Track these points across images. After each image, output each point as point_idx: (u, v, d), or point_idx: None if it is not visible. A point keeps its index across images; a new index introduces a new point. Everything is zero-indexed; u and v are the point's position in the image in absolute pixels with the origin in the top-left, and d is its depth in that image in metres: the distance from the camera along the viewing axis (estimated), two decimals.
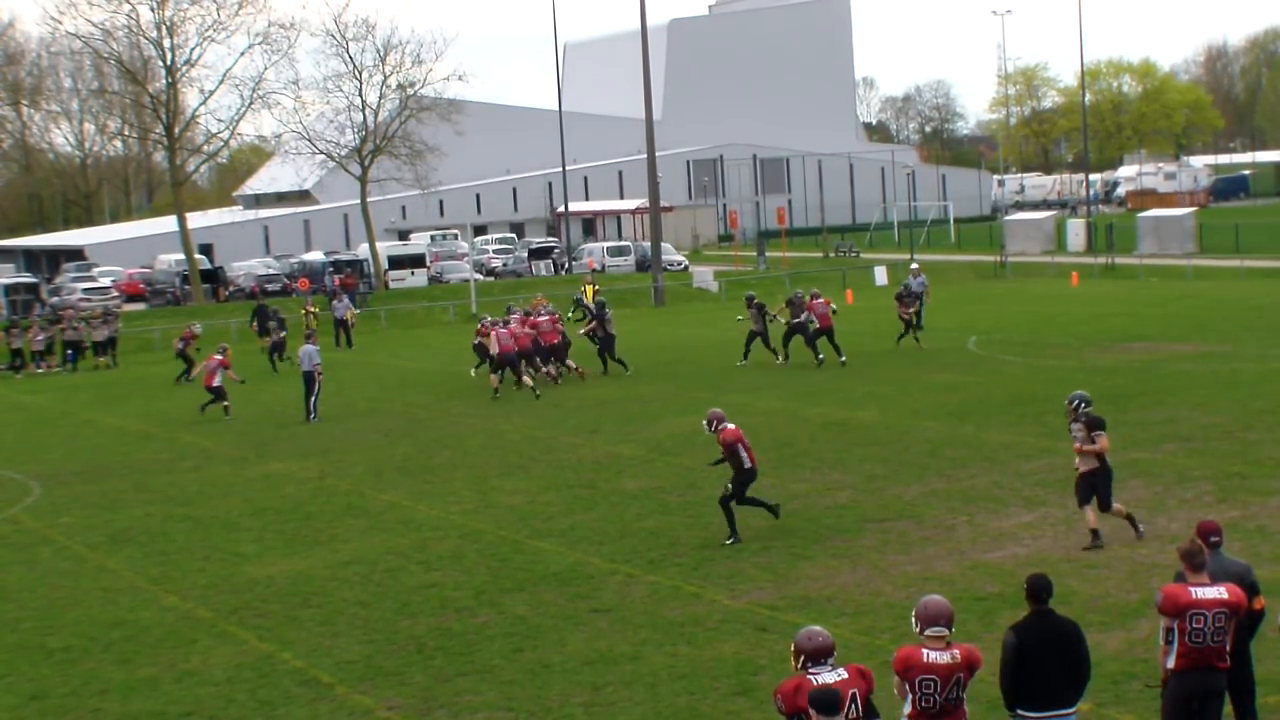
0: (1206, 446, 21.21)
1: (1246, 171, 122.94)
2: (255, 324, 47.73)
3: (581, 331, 35.21)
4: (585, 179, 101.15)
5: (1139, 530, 16.17)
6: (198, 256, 66.65)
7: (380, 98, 67.53)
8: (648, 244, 65.69)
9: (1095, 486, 15.89)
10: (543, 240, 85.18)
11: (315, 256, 73.80)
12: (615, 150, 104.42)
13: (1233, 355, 31.21)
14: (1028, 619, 9.18)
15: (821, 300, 33.17)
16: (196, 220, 75.25)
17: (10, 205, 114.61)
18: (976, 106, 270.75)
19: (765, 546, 16.96)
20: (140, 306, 65.09)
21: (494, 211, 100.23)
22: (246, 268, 72.69)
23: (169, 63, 62.68)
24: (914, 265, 43.81)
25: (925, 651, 8.59)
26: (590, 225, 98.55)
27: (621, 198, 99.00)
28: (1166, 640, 9.52)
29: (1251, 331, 35.22)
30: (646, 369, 34.87)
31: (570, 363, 33.21)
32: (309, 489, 22.53)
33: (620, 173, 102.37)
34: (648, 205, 63.36)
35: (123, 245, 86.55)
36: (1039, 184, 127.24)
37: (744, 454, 17.37)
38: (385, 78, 67.46)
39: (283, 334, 40.63)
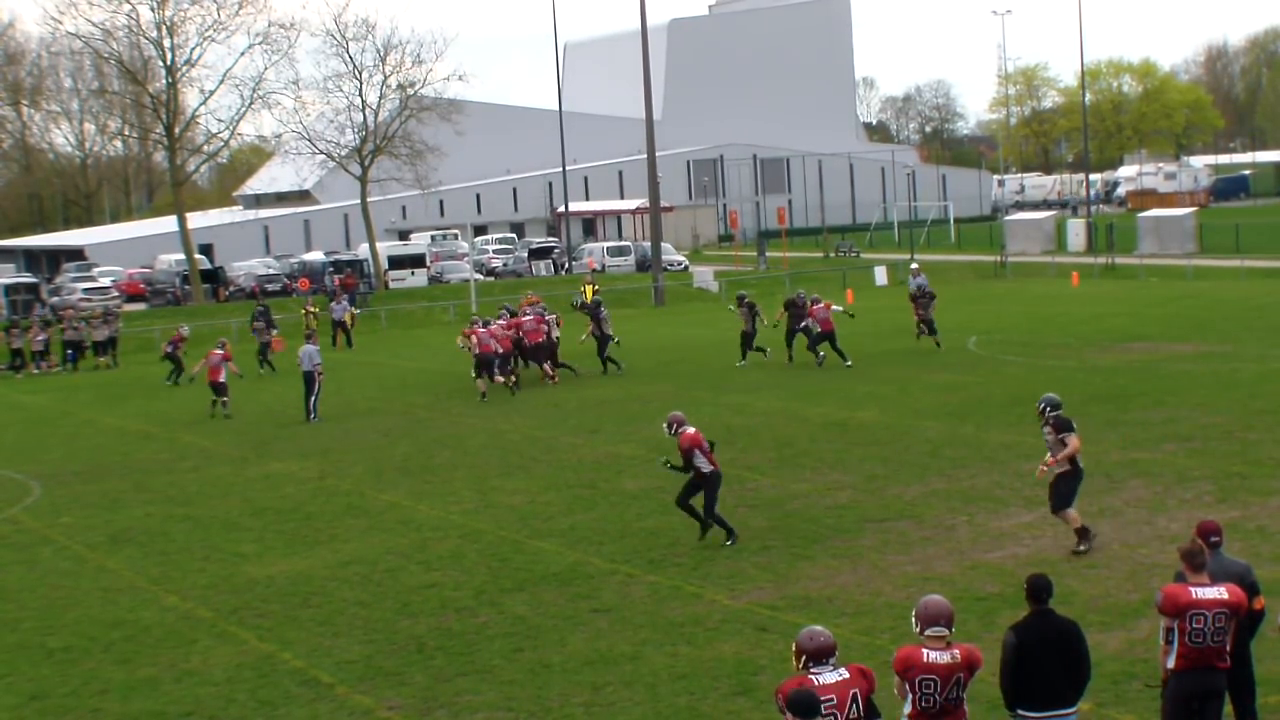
0: (1206, 446, 21.21)
1: (1247, 171, 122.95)
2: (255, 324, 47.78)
3: (583, 338, 35.03)
4: (585, 179, 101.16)
5: (1085, 545, 15.60)
6: (198, 256, 66.69)
7: (380, 98, 67.62)
8: (648, 244, 65.70)
9: (1073, 490, 15.69)
10: (543, 240, 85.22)
11: (315, 256, 73.85)
12: (615, 150, 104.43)
13: (1233, 355, 31.21)
14: (1028, 619, 9.18)
15: (822, 305, 33.11)
16: (196, 220, 75.31)
17: (10, 205, 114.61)
18: (976, 106, 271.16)
19: (765, 546, 16.96)
20: (140, 306, 65.12)
21: (494, 211, 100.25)
22: (247, 268, 72.73)
23: (169, 63, 62.73)
24: (914, 265, 43.80)
25: (925, 651, 8.59)
26: (590, 225, 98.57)
27: (621, 198, 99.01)
28: (1166, 640, 9.52)
29: (1251, 331, 35.22)
30: (646, 369, 34.88)
31: (545, 365, 32.97)
32: (309, 489, 22.54)
33: (620, 173, 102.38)
34: (648, 205, 63.36)
35: (123, 245, 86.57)
36: (1039, 184, 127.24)
37: (702, 458, 16.98)
38: (385, 78, 67.56)
39: (271, 334, 40.24)
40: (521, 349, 33.05)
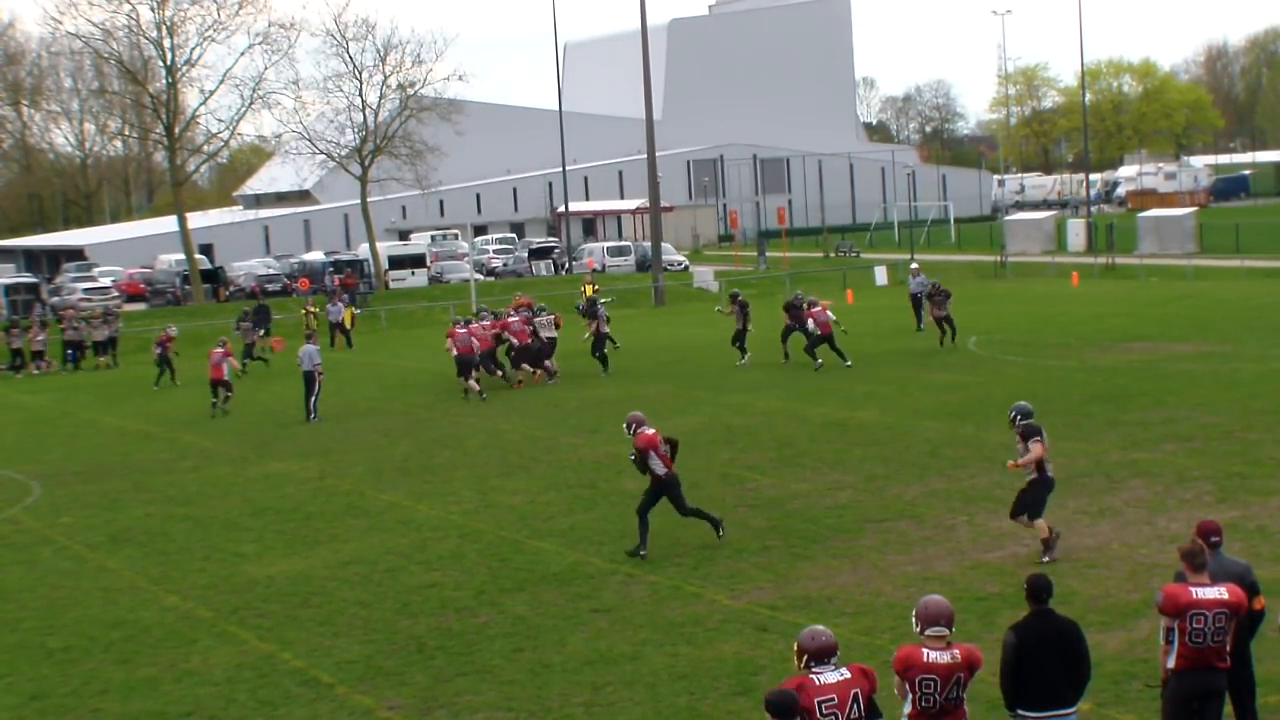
0: (1206, 446, 21.21)
1: (1247, 171, 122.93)
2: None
3: (584, 336, 35.03)
4: (585, 179, 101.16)
5: (1049, 555, 15.41)
6: (198, 256, 66.70)
7: (380, 98, 67.65)
8: (648, 244, 65.70)
9: (1041, 498, 15.62)
10: (543, 240, 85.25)
11: (315, 256, 73.86)
12: (615, 150, 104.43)
13: (1233, 355, 31.21)
14: (1028, 619, 9.18)
15: (819, 308, 33.10)
16: (196, 220, 75.31)
17: (10, 205, 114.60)
18: (976, 106, 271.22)
19: (765, 546, 16.97)
20: (141, 306, 65.14)
21: (494, 211, 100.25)
22: (247, 268, 72.75)
23: (169, 63, 62.74)
24: (914, 265, 43.79)
25: (925, 651, 8.59)
26: (590, 225, 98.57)
27: (621, 198, 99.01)
28: (1167, 640, 9.52)
29: (1251, 331, 35.21)
30: (646, 369, 34.89)
31: (526, 366, 32.89)
32: (309, 489, 22.54)
33: (620, 173, 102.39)
34: (648, 205, 63.36)
35: (123, 245, 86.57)
36: (1039, 184, 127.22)
37: (657, 461, 16.71)
38: (385, 78, 67.60)
39: (257, 334, 39.94)
40: (514, 350, 33.02)
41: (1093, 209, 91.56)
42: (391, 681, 13.12)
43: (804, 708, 8.02)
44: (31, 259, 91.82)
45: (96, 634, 15.23)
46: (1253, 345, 32.62)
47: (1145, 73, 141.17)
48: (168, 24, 62.05)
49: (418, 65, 67.63)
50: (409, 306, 57.01)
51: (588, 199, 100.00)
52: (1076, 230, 71.57)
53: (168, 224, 76.66)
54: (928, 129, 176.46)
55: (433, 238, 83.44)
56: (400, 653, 13.90)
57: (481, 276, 66.18)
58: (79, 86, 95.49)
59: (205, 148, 69.20)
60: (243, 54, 65.07)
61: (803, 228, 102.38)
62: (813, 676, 8.14)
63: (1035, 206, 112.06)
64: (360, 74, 67.17)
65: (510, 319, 33.12)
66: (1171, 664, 9.49)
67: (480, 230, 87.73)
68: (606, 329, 34.61)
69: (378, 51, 67.48)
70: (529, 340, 32.80)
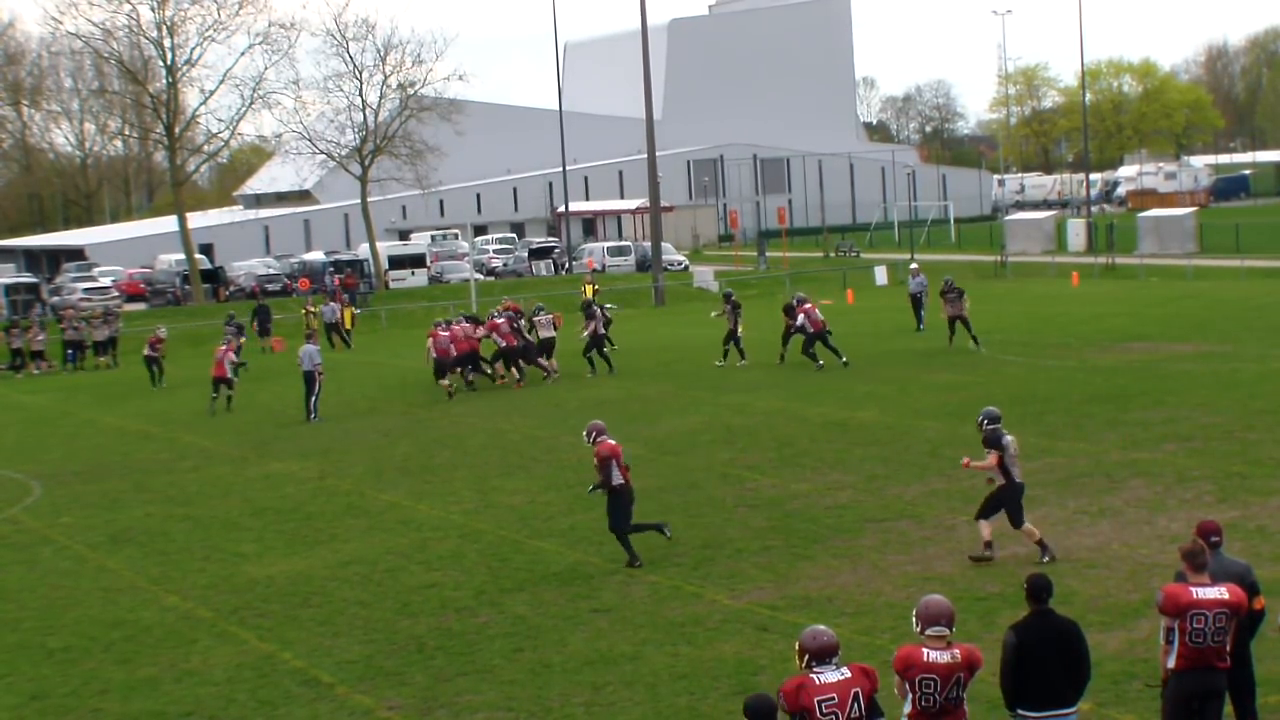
0: (1206, 446, 21.20)
1: (1247, 171, 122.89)
2: (256, 323, 47.80)
3: (583, 334, 35.02)
4: (585, 179, 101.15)
5: (1047, 554, 15.41)
6: (198, 256, 66.72)
7: (380, 98, 67.68)
8: (648, 244, 65.70)
9: (1002, 502, 15.59)
10: (543, 240, 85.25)
11: (315, 256, 73.86)
12: (615, 150, 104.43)
13: (1233, 355, 31.20)
14: (1028, 619, 9.18)
15: (809, 305, 33.09)
16: (197, 220, 75.31)
17: (10, 205, 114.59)
18: (977, 106, 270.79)
19: (765, 546, 16.97)
20: (141, 306, 65.13)
21: (494, 211, 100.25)
22: (247, 268, 72.75)
23: (169, 63, 62.76)
24: (913, 265, 43.78)
25: (925, 651, 8.60)
26: (590, 225, 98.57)
27: (622, 198, 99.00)
28: (1167, 640, 9.52)
29: (1251, 331, 35.20)
30: (646, 369, 34.89)
31: (514, 370, 32.90)
32: (309, 489, 22.54)
33: (620, 173, 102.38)
34: (648, 205, 63.36)
35: (123, 245, 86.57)
36: (1039, 184, 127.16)
37: (616, 471, 16.45)
38: (385, 78, 67.63)
39: (242, 340, 39.19)
40: (500, 352, 33.01)
41: (1093, 209, 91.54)
42: (391, 681, 13.12)
43: (804, 707, 8.04)
44: (31, 259, 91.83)
45: (96, 634, 15.23)
46: (1253, 345, 32.61)
47: (1145, 73, 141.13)
48: (168, 24, 62.10)
49: (418, 65, 67.73)
50: (409, 306, 57.01)
51: (588, 199, 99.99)
52: (1076, 230, 71.56)
53: (168, 224, 76.67)
54: (928, 129, 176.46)
55: (433, 238, 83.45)
56: (400, 653, 13.91)
57: (481, 276, 66.20)
58: (79, 86, 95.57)
59: (205, 148, 69.22)
60: (243, 54, 65.14)
61: (803, 228, 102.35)
62: (813, 676, 8.15)
63: (1035, 206, 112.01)
64: (360, 74, 67.22)
65: (497, 320, 33.10)
66: (1171, 664, 9.49)
67: (480, 230, 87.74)
68: (604, 331, 34.55)
69: (378, 51, 67.57)
70: (514, 342, 32.79)
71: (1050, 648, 9.04)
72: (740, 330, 34.07)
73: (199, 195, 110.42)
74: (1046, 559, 15.39)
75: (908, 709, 8.65)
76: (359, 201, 69.54)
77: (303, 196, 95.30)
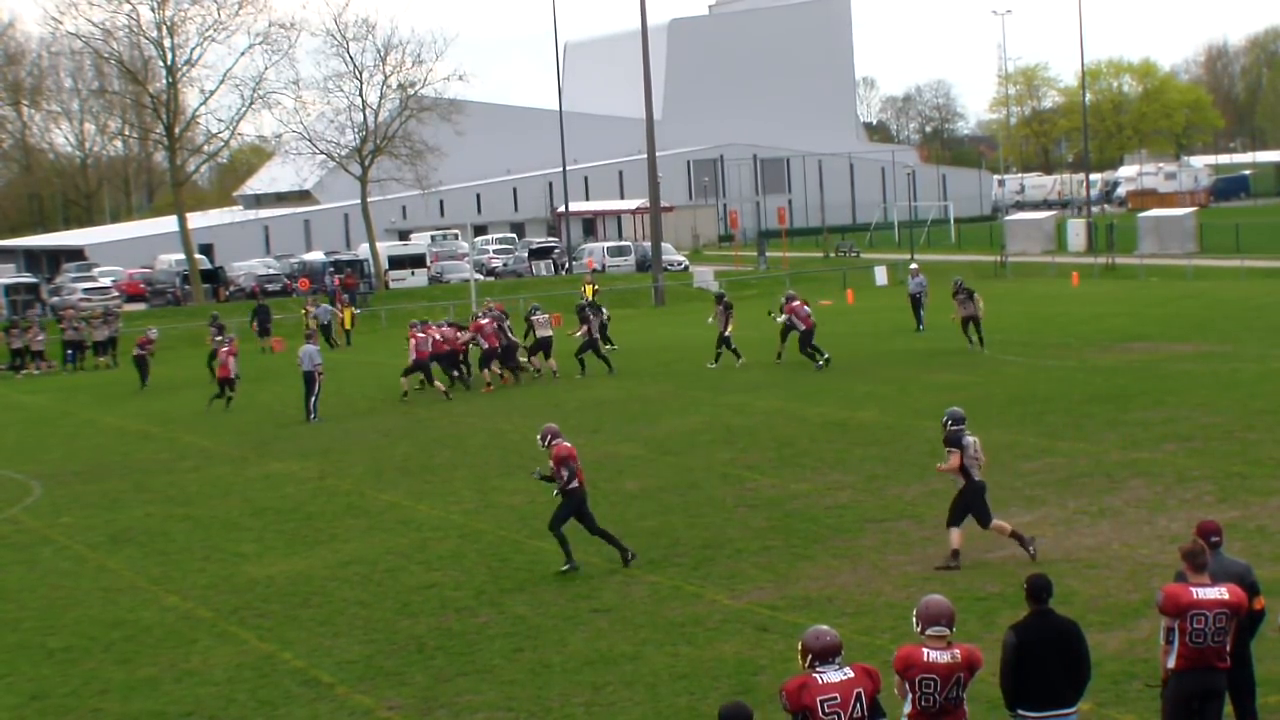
0: (1206, 446, 21.20)
1: (1247, 171, 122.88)
2: (255, 323, 47.83)
3: (576, 334, 34.98)
4: (585, 179, 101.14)
5: (1030, 550, 15.41)
6: (198, 256, 66.69)
7: (380, 98, 67.65)
8: (648, 244, 65.70)
9: (969, 506, 15.60)
10: (543, 240, 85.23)
11: (315, 256, 73.84)
12: (615, 150, 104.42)
13: (1233, 355, 31.20)
14: (1028, 619, 9.18)
15: (798, 302, 33.09)
16: (197, 220, 75.31)
17: (10, 205, 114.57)
18: (976, 106, 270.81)
19: (765, 546, 16.97)
20: (141, 306, 65.10)
21: (494, 211, 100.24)
22: (247, 268, 72.72)
23: (169, 63, 62.74)
24: (913, 265, 43.77)
25: (926, 651, 8.60)
26: (590, 225, 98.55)
27: (622, 198, 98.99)
28: (1167, 640, 9.52)
29: (1251, 331, 35.21)
30: (646, 369, 34.90)
31: (486, 372, 32.89)
32: (309, 489, 22.54)
33: (620, 173, 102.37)
34: (648, 205, 63.37)
35: (123, 245, 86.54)
36: (1039, 184, 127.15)
37: (570, 474, 16.30)
38: (385, 78, 67.59)
39: (220, 338, 39.22)
40: (486, 353, 33.01)
41: (1093, 209, 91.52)
42: (391, 681, 13.12)
43: (806, 706, 8.04)
44: (31, 259, 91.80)
45: (96, 634, 15.23)
46: (1253, 345, 32.62)
47: (1145, 73, 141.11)
48: (168, 24, 62.08)
49: (418, 65, 67.69)
50: (409, 306, 56.92)
51: (588, 199, 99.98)
52: (1076, 230, 71.55)
53: (168, 224, 76.64)
54: (928, 129, 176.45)
55: (433, 238, 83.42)
56: (400, 653, 13.91)
57: (481, 276, 66.19)
58: (79, 86, 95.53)
59: (205, 148, 69.19)
60: (243, 54, 65.11)
61: (803, 228, 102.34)
62: (816, 675, 8.15)
63: (1035, 206, 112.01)
64: (360, 74, 67.19)
65: (482, 321, 33.07)
66: (1171, 664, 9.49)
67: (480, 230, 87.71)
68: (596, 336, 34.50)
69: (378, 51, 67.53)
70: (497, 343, 32.76)
71: (1050, 648, 9.03)
72: (729, 331, 34.00)
73: (199, 195, 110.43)
74: (1032, 550, 15.40)
75: (908, 709, 8.65)
76: (359, 201, 69.52)
77: (303, 196, 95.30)
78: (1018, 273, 60.18)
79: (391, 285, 65.92)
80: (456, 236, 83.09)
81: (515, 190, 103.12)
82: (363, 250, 71.64)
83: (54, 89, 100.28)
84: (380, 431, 27.91)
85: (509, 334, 33.52)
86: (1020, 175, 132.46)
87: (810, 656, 8.23)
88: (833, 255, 79.47)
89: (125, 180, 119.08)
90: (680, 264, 70.55)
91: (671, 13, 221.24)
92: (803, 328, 32.62)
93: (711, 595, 15.14)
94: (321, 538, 19.08)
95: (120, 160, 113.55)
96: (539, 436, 16.78)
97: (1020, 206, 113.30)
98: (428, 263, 69.91)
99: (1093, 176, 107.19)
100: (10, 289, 61.86)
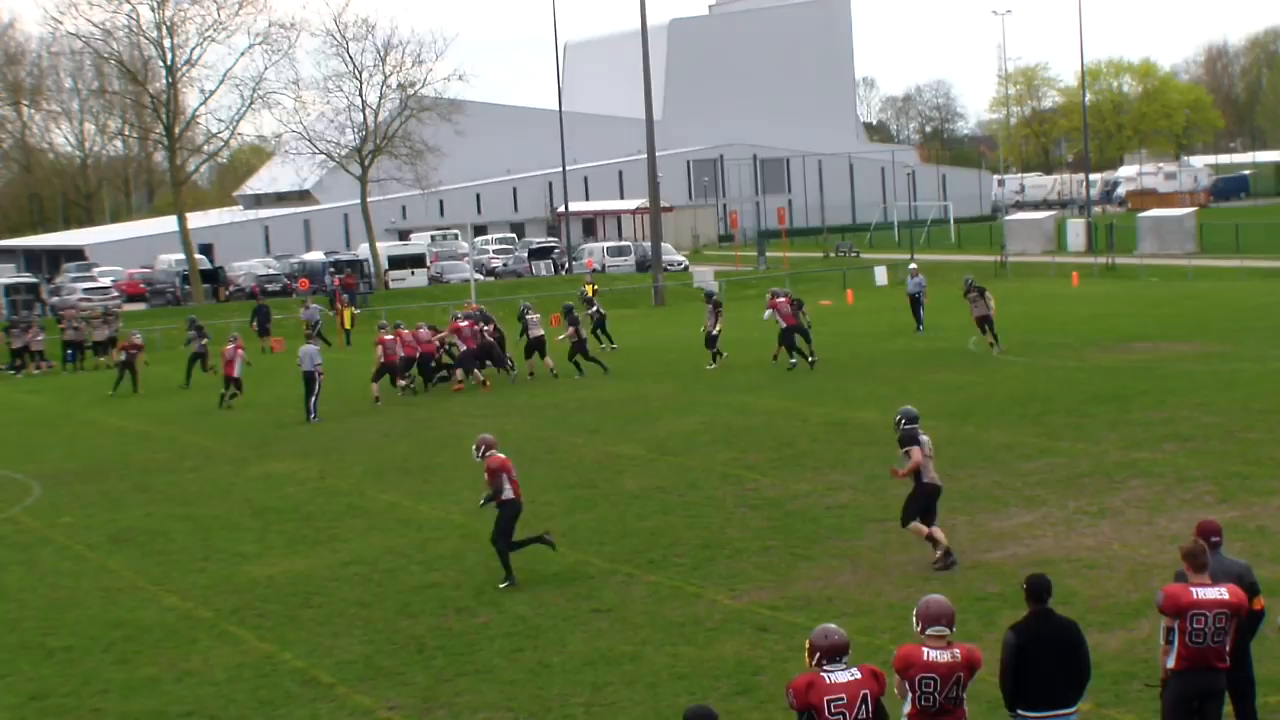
0: (1206, 446, 21.20)
1: (1247, 171, 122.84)
2: (256, 324, 47.82)
3: (561, 338, 34.93)
4: (585, 179, 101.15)
5: (948, 560, 15.36)
6: (198, 256, 66.71)
7: (380, 98, 67.67)
8: (648, 244, 65.69)
9: (923, 505, 15.58)
10: (543, 240, 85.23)
11: (315, 256, 73.86)
12: (615, 150, 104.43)
13: (1233, 355, 31.20)
14: (1028, 619, 9.18)
15: (783, 299, 33.06)
16: (197, 220, 75.31)
17: (10, 205, 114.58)
18: (976, 106, 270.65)
19: (765, 546, 16.97)
20: (141, 306, 65.11)
21: (494, 211, 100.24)
22: (247, 268, 72.76)
23: (169, 63, 62.79)
24: (912, 265, 43.76)
25: (926, 650, 8.60)
26: (590, 225, 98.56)
27: (622, 198, 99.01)
28: (1167, 640, 9.52)
29: (1251, 331, 35.20)
30: (647, 369, 34.90)
31: (457, 373, 32.98)
32: (309, 489, 22.54)
33: (620, 173, 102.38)
34: (648, 205, 63.36)
35: (123, 245, 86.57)
36: (1039, 184, 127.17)
37: (506, 484, 16.09)
38: (385, 78, 67.62)
39: (204, 341, 38.67)
40: (467, 354, 32.99)
41: (1093, 209, 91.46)
42: (391, 681, 13.12)
43: (812, 705, 8.07)
44: (31, 259, 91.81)
45: (96, 634, 15.23)
46: (1253, 345, 32.61)
47: (1145, 73, 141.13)
48: (168, 24, 62.12)
49: (418, 65, 67.73)
50: (409, 306, 56.90)
51: (588, 199, 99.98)
52: (1076, 230, 71.51)
53: (168, 224, 76.65)
54: (928, 129, 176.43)
55: (433, 238, 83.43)
56: (400, 653, 13.91)
57: (481, 276, 66.20)
58: (79, 86, 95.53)
59: (205, 148, 69.23)
60: (243, 54, 65.16)
61: (803, 228, 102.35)
62: (824, 675, 8.16)
63: (1035, 206, 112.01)
64: (360, 74, 67.21)
65: (460, 323, 33.02)
66: (1171, 664, 9.49)
67: (480, 230, 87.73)
68: (583, 337, 34.47)
69: (378, 51, 67.56)
70: (474, 345, 32.72)
71: (1050, 648, 9.03)
72: (718, 330, 33.95)
73: (199, 195, 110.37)
74: (940, 555, 15.33)
75: (908, 708, 8.66)
76: (359, 201, 69.53)
77: (303, 196, 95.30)
78: (1018, 273, 60.17)
79: (391, 285, 65.93)
80: (456, 236, 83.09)
81: (515, 190, 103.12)
82: (363, 250, 71.66)
83: (54, 89, 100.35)
84: (380, 431, 27.92)
85: (486, 335, 33.47)
86: (1020, 175, 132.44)
87: (818, 655, 8.24)
88: (832, 255, 79.44)
89: (125, 180, 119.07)
90: (680, 264, 70.56)
91: (671, 13, 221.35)
92: (784, 324, 32.60)
93: (711, 595, 15.14)
94: (321, 538, 19.08)
95: (120, 160, 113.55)
96: (474, 447, 16.50)
97: (1020, 206, 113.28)
98: (428, 263, 69.92)
99: (1093, 176, 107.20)
100: (10, 289, 61.87)
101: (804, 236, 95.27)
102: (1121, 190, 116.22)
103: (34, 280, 68.69)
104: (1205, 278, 52.31)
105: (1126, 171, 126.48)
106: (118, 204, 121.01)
